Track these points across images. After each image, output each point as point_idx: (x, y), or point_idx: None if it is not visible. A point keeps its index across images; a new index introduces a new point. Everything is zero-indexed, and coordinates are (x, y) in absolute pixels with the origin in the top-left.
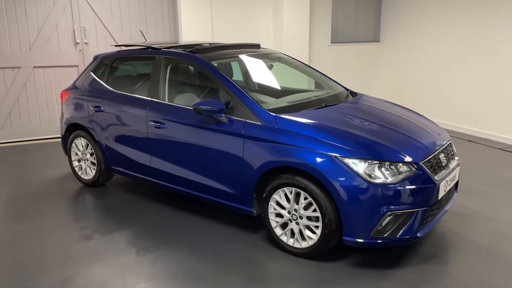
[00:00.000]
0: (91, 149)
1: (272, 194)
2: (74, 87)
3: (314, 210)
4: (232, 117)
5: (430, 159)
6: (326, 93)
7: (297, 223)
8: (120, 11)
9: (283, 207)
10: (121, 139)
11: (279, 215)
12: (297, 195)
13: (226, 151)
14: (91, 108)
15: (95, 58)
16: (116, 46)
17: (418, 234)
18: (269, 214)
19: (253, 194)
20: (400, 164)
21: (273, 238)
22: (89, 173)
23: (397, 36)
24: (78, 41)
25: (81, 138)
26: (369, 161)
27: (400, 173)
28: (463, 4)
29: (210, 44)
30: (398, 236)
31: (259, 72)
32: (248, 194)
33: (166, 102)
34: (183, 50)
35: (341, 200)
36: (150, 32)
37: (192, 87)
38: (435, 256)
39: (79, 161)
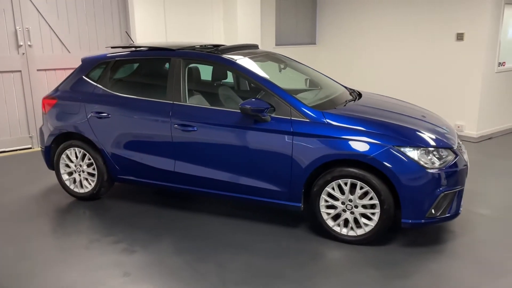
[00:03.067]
0: (89, 159)
1: (325, 187)
2: (60, 93)
3: (371, 198)
4: (276, 116)
5: (458, 144)
6: (334, 91)
7: (352, 212)
8: (67, 11)
9: (335, 199)
10: (134, 145)
11: (330, 206)
12: (352, 186)
13: (271, 149)
14: (91, 114)
15: (85, 61)
16: (112, 47)
17: (460, 210)
18: (320, 207)
19: (302, 189)
20: (442, 149)
21: (320, 229)
22: (86, 186)
23: (331, 39)
24: (21, 43)
25: (75, 148)
26: (421, 149)
27: (441, 157)
28: (390, 8)
29: (214, 45)
30: (447, 214)
31: (275, 73)
32: (296, 190)
33: (193, 104)
34: (203, 51)
35: (401, 187)
36: (99, 32)
37: (215, 88)
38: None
39: (70, 174)
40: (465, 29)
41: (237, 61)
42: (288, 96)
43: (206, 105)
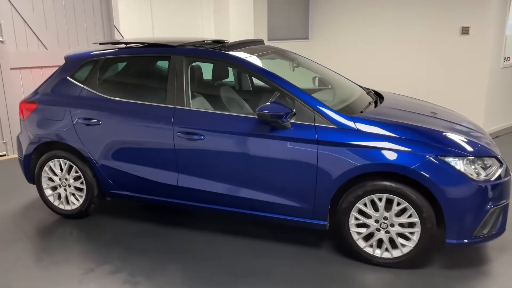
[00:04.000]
0: (77, 172)
1: (355, 204)
2: (40, 97)
3: (410, 216)
4: (297, 122)
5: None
6: (351, 92)
7: (387, 232)
8: (43, 3)
9: (367, 216)
10: (130, 156)
11: (361, 225)
12: (387, 201)
13: (293, 160)
14: (78, 121)
15: (69, 59)
16: (100, 44)
17: (506, 227)
18: (349, 225)
19: (329, 206)
20: (487, 158)
21: (349, 251)
22: (73, 202)
23: (324, 33)
24: None
25: (60, 160)
26: (466, 158)
27: (486, 167)
28: (382, 3)
29: (215, 41)
30: (493, 232)
31: (288, 72)
32: (322, 206)
33: (198, 108)
34: (207, 48)
35: (447, 202)
36: (80, 27)
37: (217, 90)
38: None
39: (54, 188)
40: (470, 23)
41: (249, 59)
42: (311, 98)
43: (209, 109)
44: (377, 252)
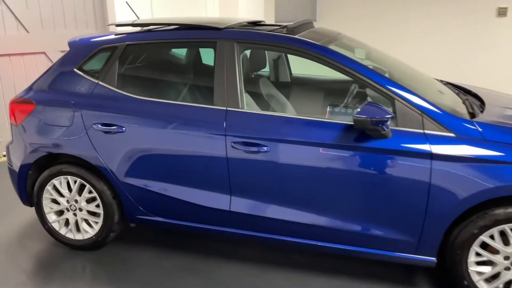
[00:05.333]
0: (91, 192)
1: (479, 236)
2: (38, 95)
3: None
4: (399, 129)
5: None
6: (437, 87)
7: (507, 268)
8: None
9: (493, 251)
10: (165, 173)
11: (481, 263)
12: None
13: (395, 179)
14: (93, 127)
15: (75, 45)
16: (117, 25)
17: None
18: (468, 263)
19: (441, 239)
20: None
21: None
22: (86, 230)
23: (331, 15)
24: None
25: (68, 177)
26: None
27: None
28: None
29: (252, 22)
30: None
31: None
32: (431, 239)
33: (259, 111)
34: (263, 31)
35: None
36: (67, 7)
37: (287, 87)
38: None
39: (60, 213)
40: (509, 3)
41: (329, 47)
42: (419, 97)
43: (264, 109)
44: None
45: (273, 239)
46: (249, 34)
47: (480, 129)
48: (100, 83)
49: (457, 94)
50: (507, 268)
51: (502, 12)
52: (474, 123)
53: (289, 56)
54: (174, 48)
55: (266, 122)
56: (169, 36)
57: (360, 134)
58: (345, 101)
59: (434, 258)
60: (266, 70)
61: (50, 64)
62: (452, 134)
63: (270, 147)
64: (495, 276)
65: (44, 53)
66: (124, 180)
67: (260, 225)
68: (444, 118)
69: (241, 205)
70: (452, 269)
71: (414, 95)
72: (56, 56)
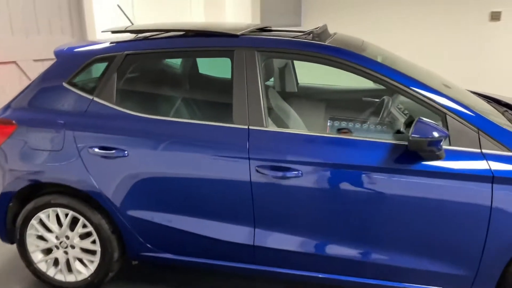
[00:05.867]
0: (85, 226)
1: None
2: (19, 114)
3: None
4: (453, 148)
5: None
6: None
7: None
8: None
9: None
10: (176, 203)
11: None
12: None
13: (451, 206)
14: (89, 151)
15: (63, 55)
16: (113, 32)
17: None
18: None
19: (500, 273)
20: None
21: None
22: (80, 271)
23: (316, 19)
24: None
25: (58, 209)
26: None
27: None
28: None
29: (260, 28)
30: None
31: None
32: (489, 273)
33: (289, 130)
34: (289, 38)
35: None
36: (39, 9)
37: (295, 98)
38: None
39: (48, 251)
40: (502, 7)
41: (364, 56)
42: (473, 112)
43: (287, 127)
44: None
45: (303, 275)
46: (273, 42)
47: None
48: (96, 99)
49: (491, 105)
50: None
51: (495, 16)
52: None
53: (295, 63)
54: (182, 57)
55: (296, 142)
56: (176, 44)
57: (410, 155)
58: (380, 116)
59: None
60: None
61: (21, 75)
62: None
63: (302, 172)
64: None
65: (15, 62)
66: (127, 212)
67: (289, 261)
68: (503, 135)
69: (267, 238)
70: None
71: (468, 109)
72: (28, 66)
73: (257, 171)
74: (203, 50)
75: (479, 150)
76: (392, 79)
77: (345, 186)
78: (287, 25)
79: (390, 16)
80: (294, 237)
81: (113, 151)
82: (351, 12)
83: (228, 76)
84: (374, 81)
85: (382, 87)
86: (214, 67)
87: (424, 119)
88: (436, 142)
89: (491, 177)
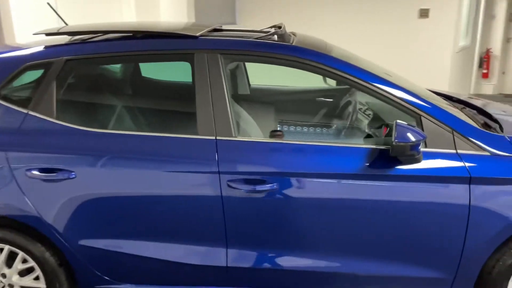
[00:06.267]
0: (25, 262)
1: None
2: None
3: None
4: (429, 150)
5: None
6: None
7: None
8: None
9: None
10: (135, 227)
11: None
12: None
13: (430, 210)
14: (26, 174)
15: None
16: (48, 34)
17: None
18: None
19: (478, 273)
20: None
21: None
22: None
23: (250, 18)
24: None
25: None
26: None
27: None
28: None
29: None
30: None
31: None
32: (468, 274)
33: (262, 139)
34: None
35: None
36: None
37: (248, 101)
38: None
39: None
40: (430, 5)
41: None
42: (446, 112)
43: (259, 134)
44: None
45: None
46: (238, 44)
47: None
48: (31, 113)
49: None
50: None
51: (423, 13)
52: (505, 138)
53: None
54: (133, 62)
55: (270, 152)
56: (126, 48)
57: (390, 160)
58: (350, 119)
59: None
60: None
61: None
62: (486, 153)
63: (279, 183)
64: None
65: None
66: (76, 241)
67: (266, 279)
68: (477, 135)
69: (241, 258)
70: None
71: (441, 109)
72: None
73: (228, 185)
74: (157, 54)
75: (454, 151)
76: (369, 82)
77: (324, 195)
78: (222, 23)
79: (324, 13)
80: (271, 254)
81: (57, 173)
82: (286, 10)
83: (184, 81)
84: (350, 85)
85: (339, 86)
86: (163, 71)
87: (402, 122)
88: (417, 146)
89: (468, 178)
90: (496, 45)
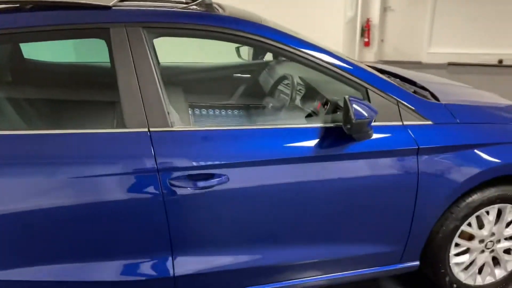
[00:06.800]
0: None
1: (460, 227)
2: None
3: None
4: (378, 124)
5: None
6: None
7: (492, 251)
8: None
9: (470, 238)
10: (56, 249)
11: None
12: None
13: (382, 186)
14: None
15: None
16: None
17: None
18: (449, 257)
19: (425, 241)
20: None
21: None
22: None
23: None
24: None
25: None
26: None
27: None
28: None
29: None
30: None
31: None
32: (416, 243)
33: (201, 128)
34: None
35: None
36: None
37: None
38: None
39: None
40: None
41: (272, 27)
42: (390, 83)
43: (212, 120)
44: (479, 280)
45: None
46: (161, 15)
47: (453, 113)
48: None
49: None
50: (482, 251)
51: None
52: (445, 106)
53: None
54: (30, 41)
55: (214, 141)
56: (20, 22)
57: (344, 138)
58: (290, 96)
59: (417, 262)
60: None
61: None
62: (430, 122)
63: (230, 175)
64: (470, 263)
65: None
66: None
67: (220, 282)
68: (419, 105)
69: (190, 263)
70: (433, 268)
71: (385, 81)
72: None
73: (170, 184)
74: (59, 29)
75: (401, 123)
76: (315, 56)
77: (277, 182)
78: None
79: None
80: (222, 253)
81: None
82: None
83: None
84: (295, 60)
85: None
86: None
87: (356, 98)
88: (370, 122)
89: (416, 149)
90: (375, 14)
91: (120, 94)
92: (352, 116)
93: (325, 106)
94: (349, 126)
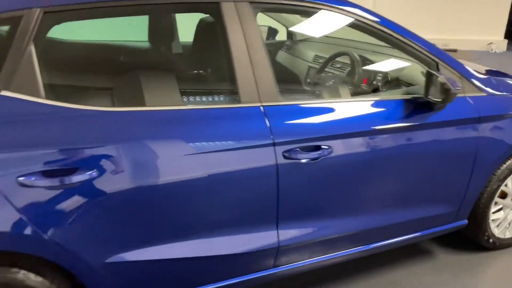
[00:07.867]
0: None
1: (500, 186)
2: None
3: None
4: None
5: None
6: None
7: None
8: None
9: (503, 197)
10: (183, 227)
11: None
12: None
13: (450, 151)
14: (19, 180)
15: None
16: None
17: None
18: (489, 215)
19: (476, 199)
20: None
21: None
22: None
23: None
24: None
25: None
26: None
27: None
28: None
29: None
30: None
31: None
32: (469, 203)
33: (305, 102)
34: None
35: None
36: None
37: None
38: None
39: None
40: None
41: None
42: (454, 60)
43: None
44: (507, 234)
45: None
46: None
47: (497, 86)
48: (4, 93)
49: None
50: None
51: None
52: (491, 79)
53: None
54: (142, 14)
55: (319, 114)
56: None
57: (418, 109)
58: (357, 73)
59: (466, 220)
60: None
61: None
62: (485, 94)
63: (332, 147)
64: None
65: None
66: (100, 259)
67: (315, 249)
68: (477, 79)
69: (292, 233)
70: (477, 225)
71: (451, 57)
72: None
73: (285, 157)
74: (173, 3)
75: (463, 95)
76: (401, 35)
77: (377, 152)
78: None
79: None
80: (326, 223)
81: (67, 178)
82: None
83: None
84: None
85: None
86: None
87: (439, 72)
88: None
89: (478, 118)
90: None
91: (235, 70)
92: (451, 87)
93: (384, 81)
94: (444, 97)
